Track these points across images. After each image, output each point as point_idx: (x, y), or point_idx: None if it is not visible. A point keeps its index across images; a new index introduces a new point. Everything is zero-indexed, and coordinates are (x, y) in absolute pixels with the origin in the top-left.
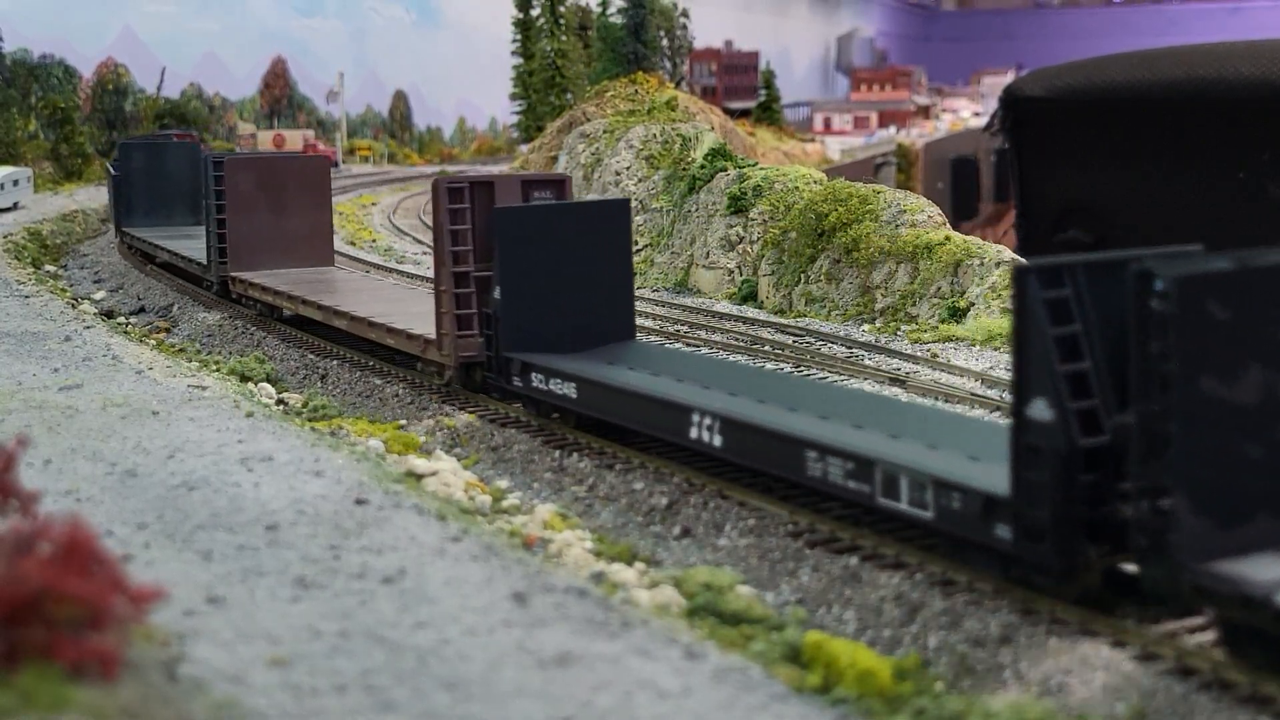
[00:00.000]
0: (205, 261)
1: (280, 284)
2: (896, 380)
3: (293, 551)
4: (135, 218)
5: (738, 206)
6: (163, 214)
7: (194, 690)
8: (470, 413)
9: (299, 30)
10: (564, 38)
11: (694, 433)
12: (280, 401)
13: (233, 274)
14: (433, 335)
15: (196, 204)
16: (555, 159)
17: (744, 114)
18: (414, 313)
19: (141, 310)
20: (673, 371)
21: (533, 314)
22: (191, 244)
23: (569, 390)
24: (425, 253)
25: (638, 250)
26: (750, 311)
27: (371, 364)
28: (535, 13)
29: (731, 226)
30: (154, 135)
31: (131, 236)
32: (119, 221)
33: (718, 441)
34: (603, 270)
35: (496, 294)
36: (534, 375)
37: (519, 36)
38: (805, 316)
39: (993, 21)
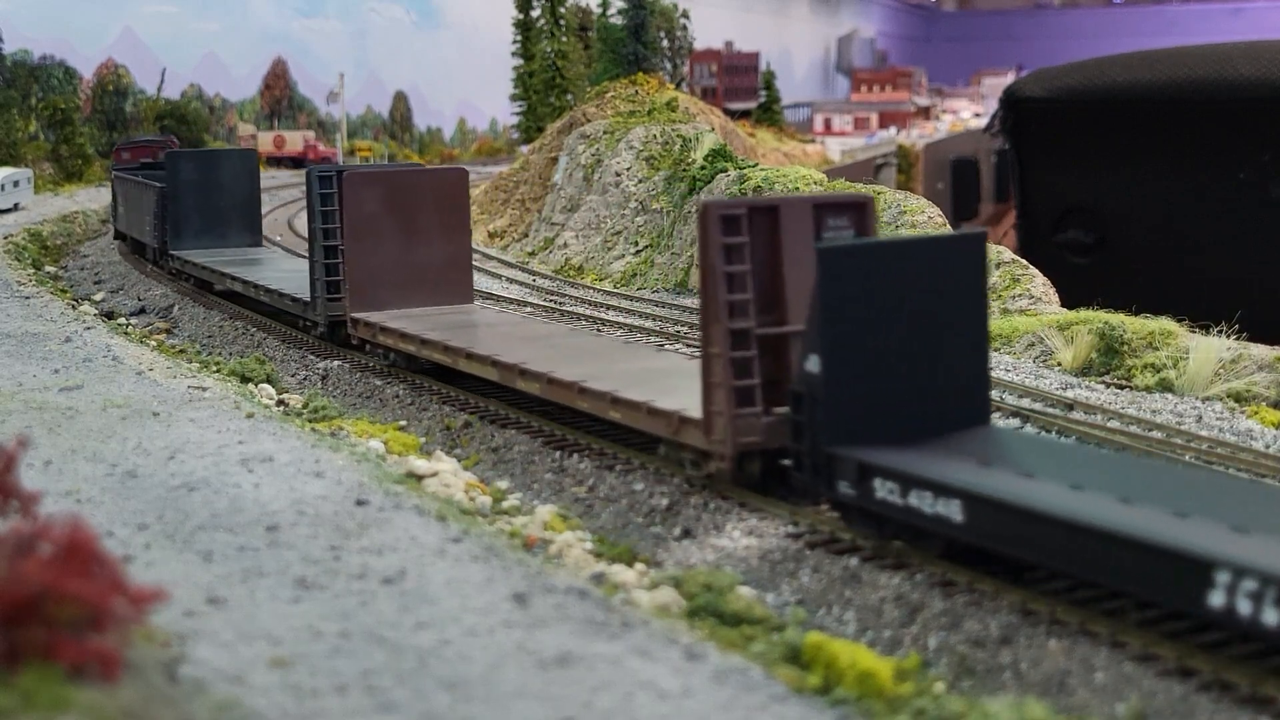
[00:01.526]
0: (308, 298)
1: (424, 329)
2: None
3: (293, 552)
4: (186, 239)
5: None
6: (216, 234)
7: (194, 691)
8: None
9: (299, 31)
10: (564, 39)
11: (1218, 599)
12: (280, 402)
13: (354, 315)
14: (692, 412)
15: (253, 222)
16: (556, 160)
17: (744, 115)
18: (623, 372)
19: (142, 311)
20: (1069, 473)
21: (866, 391)
22: (267, 273)
23: (947, 510)
24: None
25: (638, 251)
26: None
27: (371, 365)
28: (536, 14)
29: None
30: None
31: (182, 261)
32: (163, 243)
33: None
34: (952, 328)
35: (813, 364)
36: (879, 482)
37: (519, 37)
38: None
39: (993, 22)
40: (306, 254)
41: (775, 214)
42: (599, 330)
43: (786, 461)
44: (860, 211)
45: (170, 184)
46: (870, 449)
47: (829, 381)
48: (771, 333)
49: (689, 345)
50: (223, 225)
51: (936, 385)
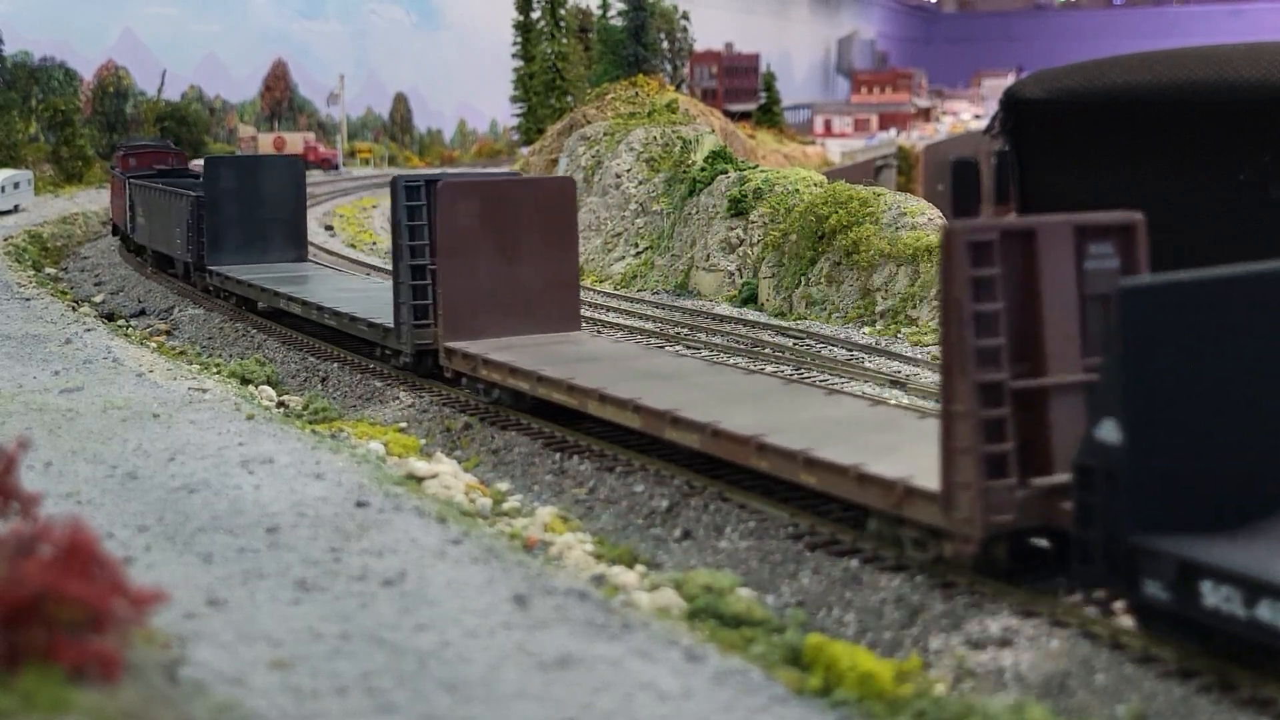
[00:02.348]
0: (389, 323)
1: (537, 362)
2: (896, 383)
3: (293, 554)
4: (225, 253)
5: (738, 209)
6: (258, 248)
7: (195, 692)
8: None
9: (300, 33)
10: (564, 40)
11: None
12: (281, 404)
13: (449, 344)
14: (921, 481)
15: (298, 235)
16: (556, 161)
17: (744, 116)
18: (802, 424)
19: (142, 313)
20: None
21: (1183, 465)
22: (324, 291)
23: None
24: None
25: (638, 253)
26: (750, 314)
27: (372, 366)
28: (536, 15)
29: (732, 229)
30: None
31: (222, 277)
32: (198, 257)
33: None
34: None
35: (1110, 431)
36: (1209, 586)
37: (519, 39)
38: (805, 319)
39: (993, 23)
40: (357, 270)
41: (1031, 239)
42: (598, 331)
43: (1041, 542)
44: (1128, 236)
45: (209, 193)
46: (1192, 540)
47: (1134, 453)
48: (1028, 386)
49: (689, 346)
50: (265, 238)
51: (1275, 455)
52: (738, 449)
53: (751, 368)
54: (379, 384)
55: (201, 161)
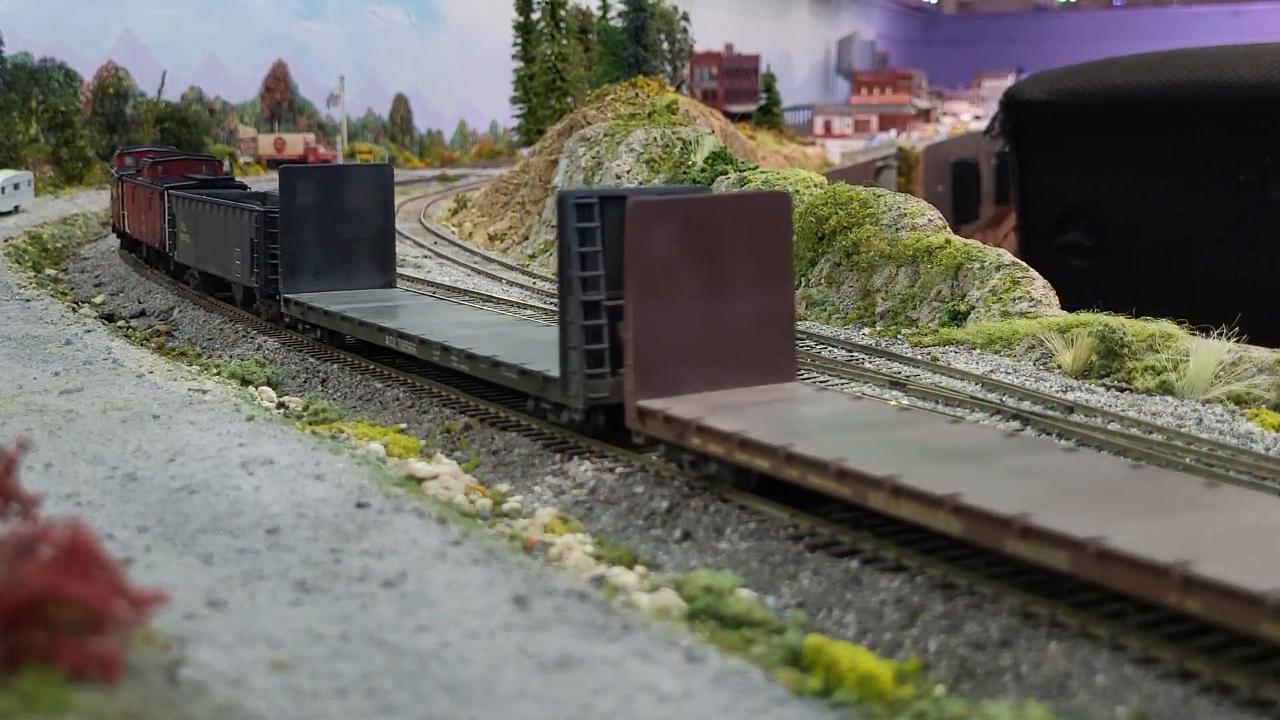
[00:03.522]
0: (553, 372)
1: (774, 432)
2: (897, 384)
3: (293, 555)
4: (303, 278)
5: None
6: (341, 273)
7: (195, 693)
8: None
9: (300, 34)
10: (564, 41)
11: None
12: (281, 405)
13: (644, 403)
14: None
15: (386, 257)
16: (556, 162)
17: (744, 117)
18: (1221, 534)
19: (142, 314)
20: None
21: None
22: (442, 326)
23: None
24: (426, 256)
25: None
26: None
27: (372, 367)
28: (536, 16)
29: None
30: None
31: (303, 307)
32: (268, 282)
33: None
34: None
35: None
36: None
37: (519, 40)
38: (806, 320)
39: (993, 24)
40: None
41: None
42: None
43: None
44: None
45: (285, 209)
46: None
47: None
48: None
49: None
50: (349, 261)
51: None
52: (1153, 583)
53: (1072, 446)
54: (379, 384)
55: (277, 173)
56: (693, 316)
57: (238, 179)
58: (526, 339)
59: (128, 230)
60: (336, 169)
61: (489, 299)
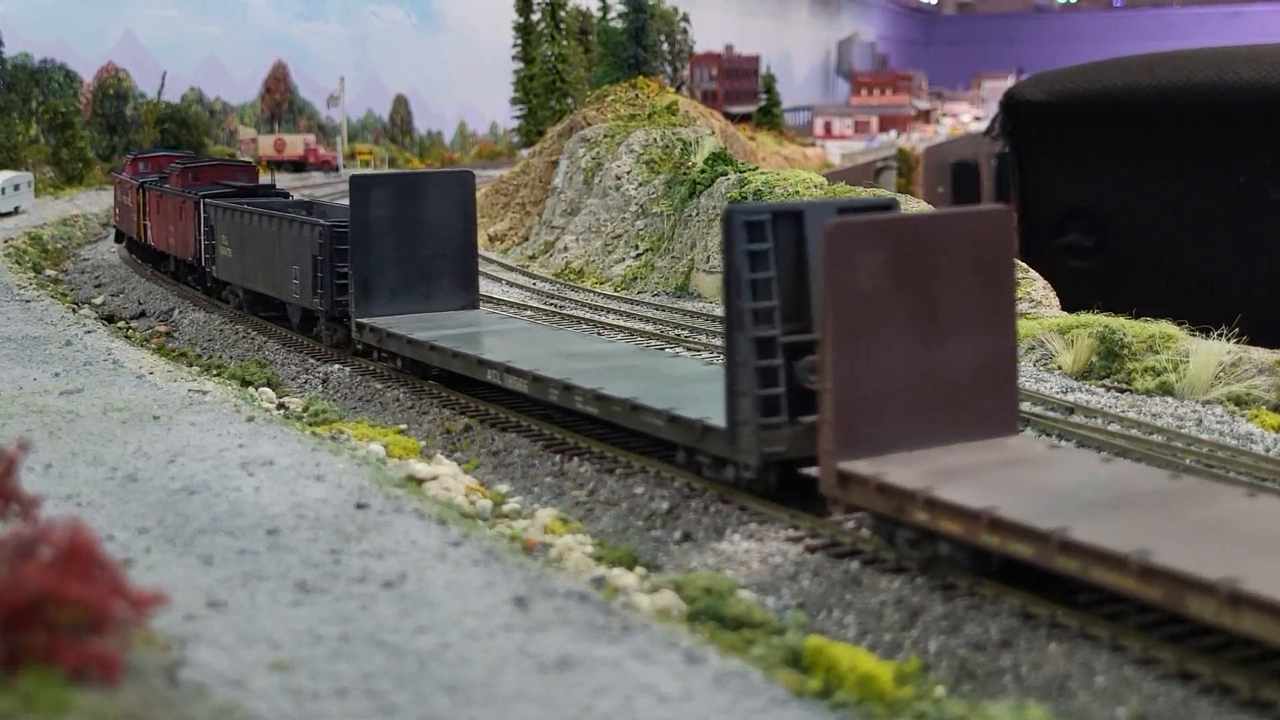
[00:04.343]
0: (718, 421)
1: (1035, 509)
2: None
3: (293, 556)
4: (378, 300)
5: None
6: (419, 293)
7: (195, 694)
8: None
9: (300, 34)
10: (564, 42)
11: None
12: (281, 406)
13: (848, 466)
14: None
15: (468, 275)
16: (556, 163)
17: (745, 118)
18: None
19: (142, 314)
20: None
21: None
22: (553, 358)
23: None
24: None
25: (638, 255)
26: None
27: (372, 368)
28: (536, 17)
29: None
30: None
31: (380, 333)
32: (335, 304)
33: None
34: None
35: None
36: None
37: (519, 41)
38: None
39: (993, 25)
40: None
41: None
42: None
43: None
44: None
45: (357, 222)
46: None
47: None
48: None
49: (689, 349)
50: (428, 280)
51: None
52: None
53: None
54: (379, 385)
55: (344, 181)
56: (902, 359)
57: (278, 186)
58: (661, 374)
59: (151, 242)
60: (413, 176)
61: (488, 299)
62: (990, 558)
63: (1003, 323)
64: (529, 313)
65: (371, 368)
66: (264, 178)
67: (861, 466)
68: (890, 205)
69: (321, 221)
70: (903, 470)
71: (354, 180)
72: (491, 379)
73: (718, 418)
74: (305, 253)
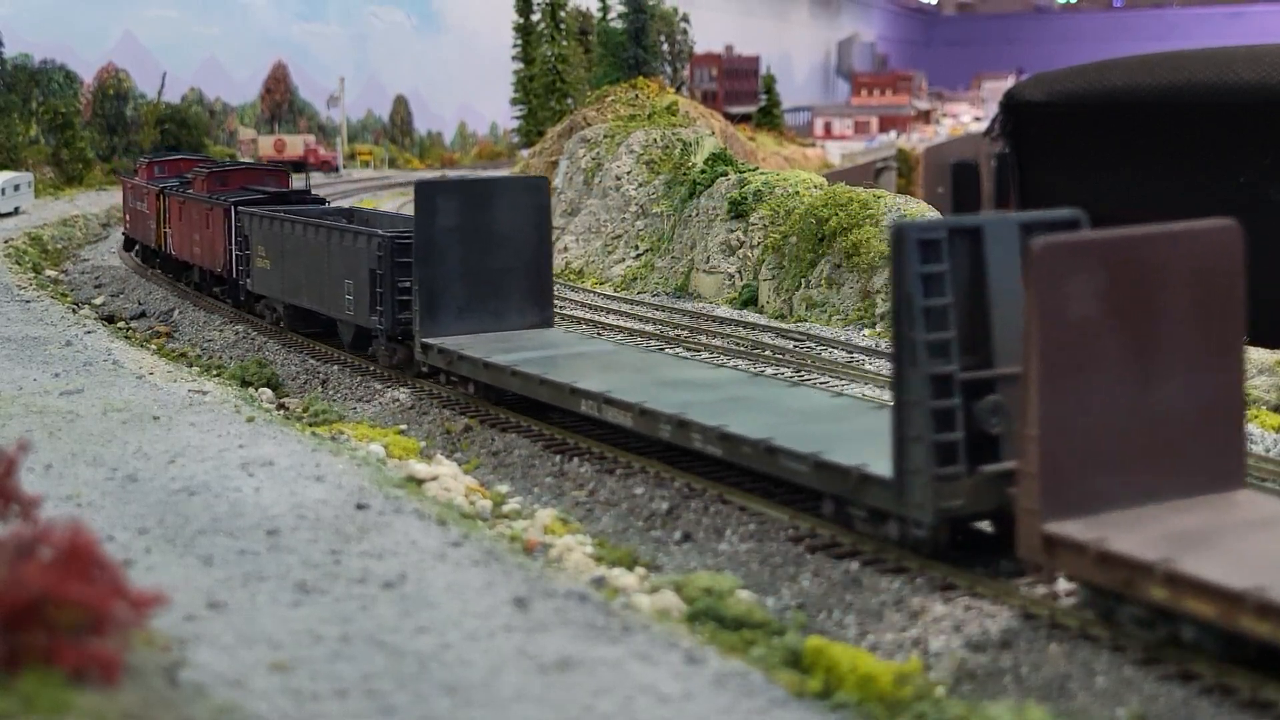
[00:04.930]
0: (881, 471)
1: None
2: None
3: (293, 556)
4: (444, 319)
5: (738, 211)
6: (489, 310)
7: (195, 695)
8: None
9: (300, 35)
10: (564, 43)
11: None
12: (281, 406)
13: (1056, 528)
14: None
15: (541, 289)
16: (556, 164)
17: (744, 119)
18: None
19: (143, 315)
20: None
21: None
22: (651, 387)
23: None
24: None
25: (638, 255)
26: (751, 316)
27: (371, 369)
28: (536, 18)
29: (732, 231)
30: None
31: (450, 355)
32: (396, 322)
33: None
34: None
35: None
36: None
37: (519, 42)
38: (806, 321)
39: (993, 26)
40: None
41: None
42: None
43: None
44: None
45: (423, 233)
46: None
47: None
48: None
49: (689, 349)
50: (499, 296)
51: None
52: None
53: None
54: (379, 385)
55: (413, 189)
56: (1117, 400)
57: (314, 193)
58: (784, 408)
59: (172, 252)
60: (483, 184)
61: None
62: (1248, 644)
63: (1229, 357)
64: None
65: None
66: (296, 181)
67: (1074, 529)
68: (1075, 222)
69: (380, 232)
70: (1127, 535)
71: (420, 187)
72: (587, 410)
73: (875, 463)
74: (361, 266)
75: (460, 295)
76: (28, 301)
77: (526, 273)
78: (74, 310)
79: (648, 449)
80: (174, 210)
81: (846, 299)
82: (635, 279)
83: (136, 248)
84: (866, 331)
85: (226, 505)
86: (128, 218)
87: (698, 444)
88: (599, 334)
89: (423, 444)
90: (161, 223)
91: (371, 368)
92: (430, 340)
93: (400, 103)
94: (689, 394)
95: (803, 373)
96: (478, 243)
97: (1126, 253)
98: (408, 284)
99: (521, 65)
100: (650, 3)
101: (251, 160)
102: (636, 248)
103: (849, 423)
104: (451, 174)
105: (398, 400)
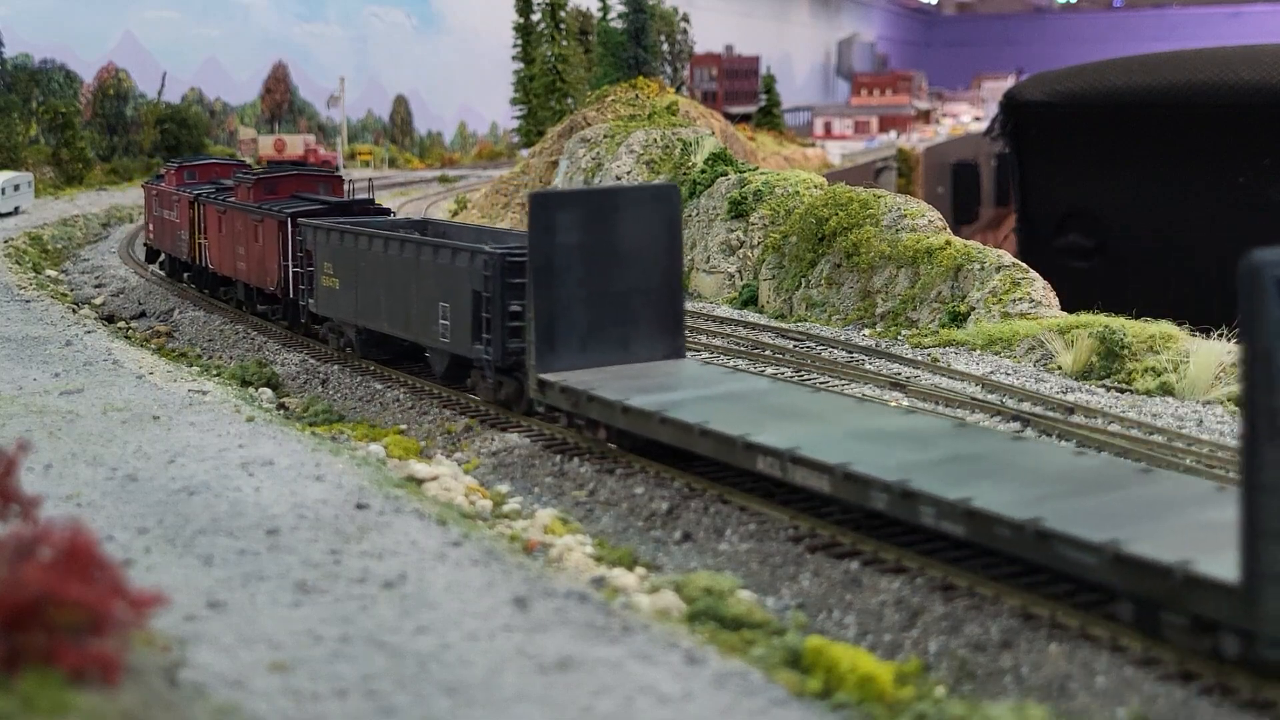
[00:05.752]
0: (1235, 575)
1: None
2: (897, 385)
3: (293, 556)
4: (564, 350)
5: (738, 211)
6: (615, 340)
7: (195, 695)
8: None
9: (300, 36)
10: (565, 43)
11: None
12: (281, 406)
13: None
14: None
15: (672, 315)
16: (556, 164)
17: (744, 119)
18: None
19: (142, 315)
20: None
21: None
22: (833, 438)
23: None
24: None
25: None
26: (751, 316)
27: (372, 368)
28: (536, 18)
29: (732, 231)
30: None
31: (577, 395)
32: (506, 353)
33: None
34: None
35: None
36: None
37: (520, 42)
38: (806, 321)
39: (993, 26)
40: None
41: None
42: None
43: None
44: None
45: (540, 250)
46: None
47: None
48: None
49: (690, 349)
50: (623, 323)
51: None
52: None
53: None
54: (379, 385)
55: (528, 201)
56: None
57: (377, 202)
58: (1026, 469)
59: (210, 266)
60: (607, 194)
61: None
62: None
63: None
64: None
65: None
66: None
67: None
68: None
69: (487, 249)
70: None
71: (535, 199)
72: (766, 469)
73: (1204, 560)
74: (462, 288)
75: (582, 323)
76: (28, 301)
77: (656, 295)
78: (74, 310)
79: (648, 450)
80: (212, 220)
81: (846, 299)
82: None
83: (162, 259)
84: (866, 331)
85: (226, 505)
86: (151, 227)
87: (928, 520)
88: (736, 366)
89: (423, 444)
90: (196, 233)
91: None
92: (549, 376)
93: (400, 103)
94: (896, 450)
95: (803, 373)
96: (601, 261)
97: None
98: (518, 309)
99: (521, 65)
100: (650, 3)
101: (299, 162)
102: None
103: (1122, 492)
104: (451, 173)
105: (398, 401)
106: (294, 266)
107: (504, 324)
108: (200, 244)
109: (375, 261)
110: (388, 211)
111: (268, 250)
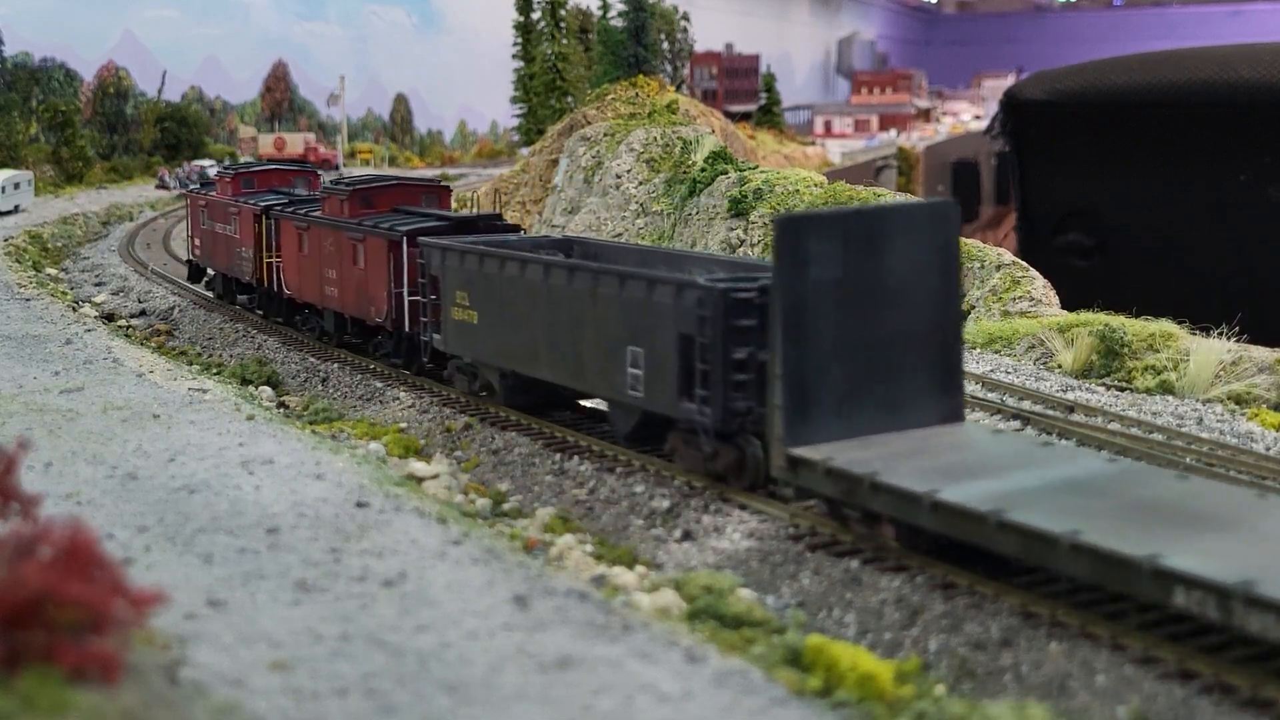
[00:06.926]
0: None
1: None
2: None
3: (293, 555)
4: (820, 416)
5: (738, 209)
6: (879, 399)
7: (195, 694)
8: None
9: (300, 34)
10: (565, 41)
11: None
12: (281, 404)
13: None
14: None
15: (947, 369)
16: (556, 162)
17: (745, 117)
18: None
19: (143, 313)
20: None
21: None
22: (1251, 555)
23: None
24: None
25: None
26: None
27: (372, 367)
28: (536, 16)
29: (732, 229)
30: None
31: (860, 484)
32: (725, 416)
33: None
34: None
35: None
36: None
37: (520, 40)
38: None
39: (993, 25)
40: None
41: None
42: None
43: None
44: None
45: (791, 287)
46: None
47: None
48: None
49: None
50: (889, 379)
51: None
52: None
53: None
54: (379, 384)
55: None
56: None
57: (504, 219)
58: None
59: (288, 290)
60: (874, 215)
61: None
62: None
63: None
64: None
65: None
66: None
67: None
68: None
69: (703, 283)
70: None
71: (785, 224)
72: (1184, 604)
73: None
74: (664, 329)
75: (839, 379)
76: (28, 300)
77: (929, 342)
78: (74, 308)
79: (648, 451)
80: (289, 237)
81: None
82: None
83: (210, 278)
84: None
85: (226, 503)
86: (197, 241)
87: None
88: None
89: (423, 443)
90: (263, 252)
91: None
92: (803, 452)
93: (400, 101)
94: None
95: None
96: (864, 301)
97: None
98: (743, 358)
99: (522, 64)
100: (650, 1)
101: (390, 174)
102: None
103: None
104: (452, 172)
105: (398, 399)
106: (408, 296)
107: (728, 378)
108: (272, 264)
109: (530, 292)
110: (517, 228)
111: (372, 275)
